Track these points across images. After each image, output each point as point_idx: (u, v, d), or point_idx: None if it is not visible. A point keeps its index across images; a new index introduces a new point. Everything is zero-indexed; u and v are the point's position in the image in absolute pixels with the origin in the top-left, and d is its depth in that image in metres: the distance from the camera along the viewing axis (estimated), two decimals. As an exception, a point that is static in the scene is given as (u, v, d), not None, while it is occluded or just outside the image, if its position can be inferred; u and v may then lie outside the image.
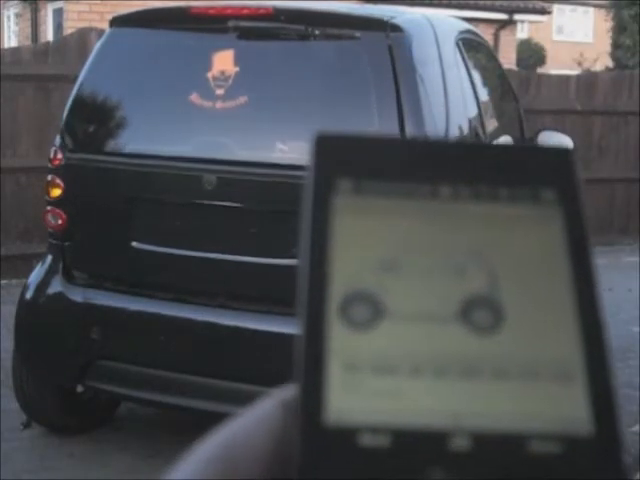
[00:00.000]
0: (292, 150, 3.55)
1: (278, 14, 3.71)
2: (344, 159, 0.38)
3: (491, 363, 0.34)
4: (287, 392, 0.37)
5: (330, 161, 0.38)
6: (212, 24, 3.83)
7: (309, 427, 0.33)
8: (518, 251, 0.36)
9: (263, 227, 3.62)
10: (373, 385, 0.34)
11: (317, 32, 3.65)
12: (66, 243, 3.98)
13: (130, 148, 3.88)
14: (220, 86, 3.69)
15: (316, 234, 0.36)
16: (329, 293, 0.35)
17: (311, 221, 0.36)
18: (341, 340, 0.34)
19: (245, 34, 3.77)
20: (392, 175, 0.38)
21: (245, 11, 3.77)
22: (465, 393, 0.34)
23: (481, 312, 0.35)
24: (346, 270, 0.36)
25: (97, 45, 4.19)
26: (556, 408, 0.33)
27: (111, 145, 3.98)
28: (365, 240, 0.36)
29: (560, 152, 0.39)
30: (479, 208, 0.37)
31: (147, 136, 3.90)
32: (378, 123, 3.48)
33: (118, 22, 4.10)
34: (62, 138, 4.02)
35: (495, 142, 4.48)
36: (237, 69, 3.69)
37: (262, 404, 0.38)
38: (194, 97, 3.72)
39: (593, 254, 0.37)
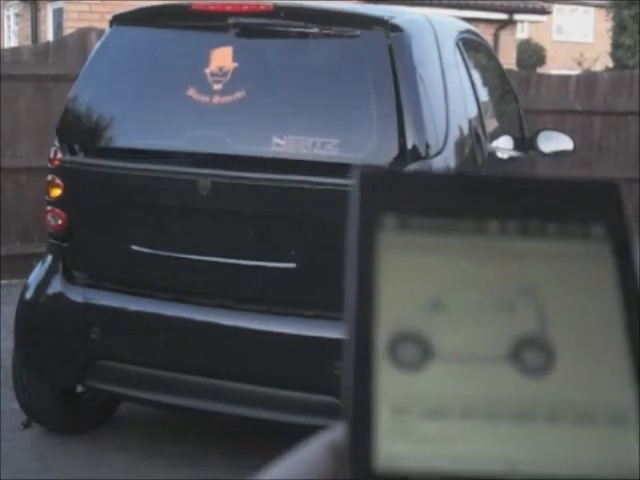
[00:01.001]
0: (289, 148, 3.54)
1: (278, 11, 3.71)
2: (389, 195, 0.37)
3: (543, 406, 0.33)
4: (335, 435, 0.36)
5: (375, 197, 0.37)
6: (213, 21, 3.82)
7: (359, 473, 0.32)
8: (567, 288, 0.35)
9: (260, 230, 3.60)
10: (423, 429, 0.33)
11: (317, 30, 3.64)
12: (66, 243, 3.97)
13: (130, 148, 3.87)
14: (220, 83, 3.68)
15: (362, 271, 0.35)
16: (377, 332, 0.34)
17: (357, 257, 0.35)
18: (390, 382, 0.33)
19: (246, 31, 3.77)
20: (438, 211, 0.37)
21: (246, 8, 3.76)
22: (518, 438, 0.33)
23: (532, 352, 0.34)
24: (393, 308, 0.35)
25: (97, 44, 4.18)
26: (610, 453, 0.32)
27: (111, 144, 3.97)
28: (412, 277, 0.35)
29: (607, 185, 0.38)
30: (527, 244, 0.36)
31: (147, 135, 3.89)
32: (377, 123, 3.47)
33: (119, 20, 4.09)
34: (60, 138, 4.01)
35: (497, 140, 4.47)
36: (238, 66, 3.68)
37: (311, 447, 0.37)
38: (196, 96, 3.71)
39: None
